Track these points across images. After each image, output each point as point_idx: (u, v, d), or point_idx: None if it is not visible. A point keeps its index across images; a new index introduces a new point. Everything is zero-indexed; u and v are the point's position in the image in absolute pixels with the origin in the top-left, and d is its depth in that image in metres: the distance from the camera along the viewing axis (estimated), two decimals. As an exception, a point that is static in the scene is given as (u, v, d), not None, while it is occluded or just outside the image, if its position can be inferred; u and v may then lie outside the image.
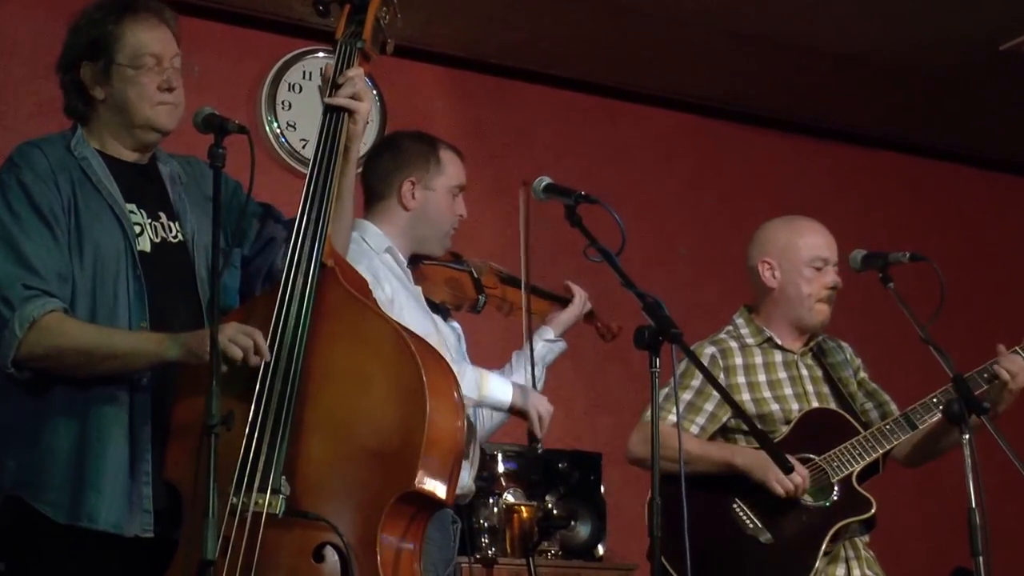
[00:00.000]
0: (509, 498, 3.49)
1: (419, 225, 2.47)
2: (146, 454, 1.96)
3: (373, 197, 2.50)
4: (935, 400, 2.62)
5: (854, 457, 2.60)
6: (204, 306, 2.03)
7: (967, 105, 4.48)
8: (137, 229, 2.02)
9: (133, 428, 1.96)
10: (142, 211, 2.04)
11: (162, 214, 2.06)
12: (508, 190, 4.13)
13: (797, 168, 4.68)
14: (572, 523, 3.51)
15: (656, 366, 2.04)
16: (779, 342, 2.73)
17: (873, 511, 2.60)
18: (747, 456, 2.59)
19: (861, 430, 2.64)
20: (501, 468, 3.53)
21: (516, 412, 2.40)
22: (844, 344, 2.84)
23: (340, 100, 2.04)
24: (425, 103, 4.15)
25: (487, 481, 3.47)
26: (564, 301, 2.64)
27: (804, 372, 2.73)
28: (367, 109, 2.07)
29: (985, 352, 4.85)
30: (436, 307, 2.48)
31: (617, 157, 4.38)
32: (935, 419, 2.62)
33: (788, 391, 2.69)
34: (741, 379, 2.70)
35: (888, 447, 2.62)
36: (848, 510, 2.59)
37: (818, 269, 2.71)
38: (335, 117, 2.04)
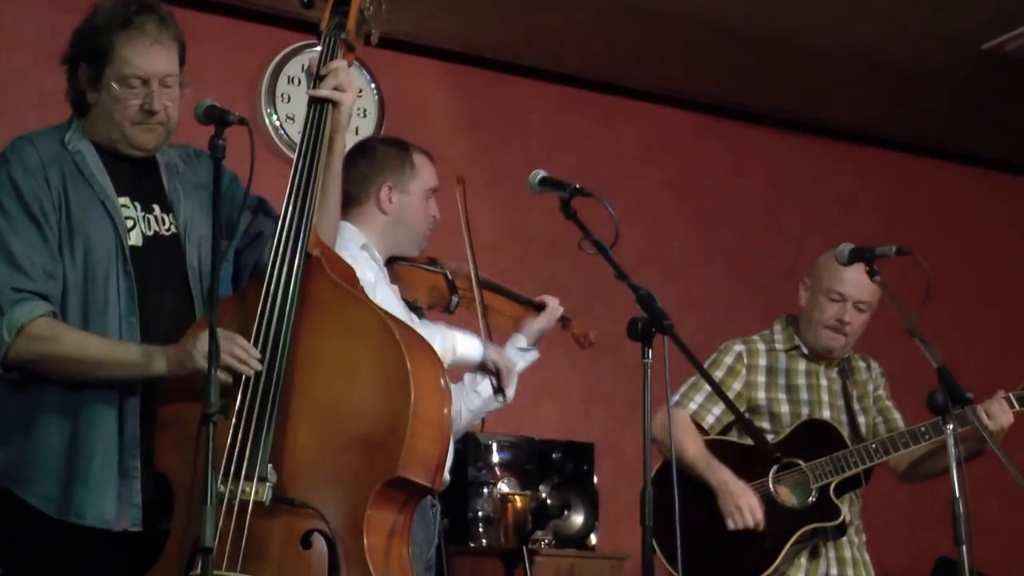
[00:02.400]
0: (503, 488, 3.50)
1: (397, 228, 2.51)
2: (135, 449, 1.95)
3: (349, 202, 2.52)
4: (922, 429, 2.75)
5: (836, 468, 2.78)
6: (196, 297, 2.02)
7: (950, 103, 4.50)
8: (129, 223, 2.00)
9: (122, 423, 1.96)
10: (135, 204, 2.03)
11: (156, 206, 2.04)
12: (504, 183, 4.19)
13: (786, 164, 4.69)
14: (565, 513, 3.52)
15: (648, 357, 2.06)
16: (805, 352, 2.88)
17: (840, 520, 2.78)
18: (720, 480, 2.78)
19: (850, 445, 2.80)
20: (495, 458, 3.53)
21: (483, 367, 2.48)
22: (874, 364, 3.00)
23: (323, 92, 2.03)
24: (422, 97, 4.14)
25: (481, 471, 3.48)
26: (538, 308, 2.68)
27: (824, 383, 2.90)
28: (351, 100, 2.06)
29: (969, 344, 4.90)
30: (411, 306, 2.52)
31: (611, 151, 4.39)
32: (922, 446, 2.77)
33: (803, 396, 2.86)
34: (761, 378, 2.87)
35: (869, 464, 2.78)
36: (818, 516, 2.78)
37: (834, 300, 2.84)
38: (319, 108, 2.04)
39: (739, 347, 2.88)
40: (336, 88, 2.04)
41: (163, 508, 1.94)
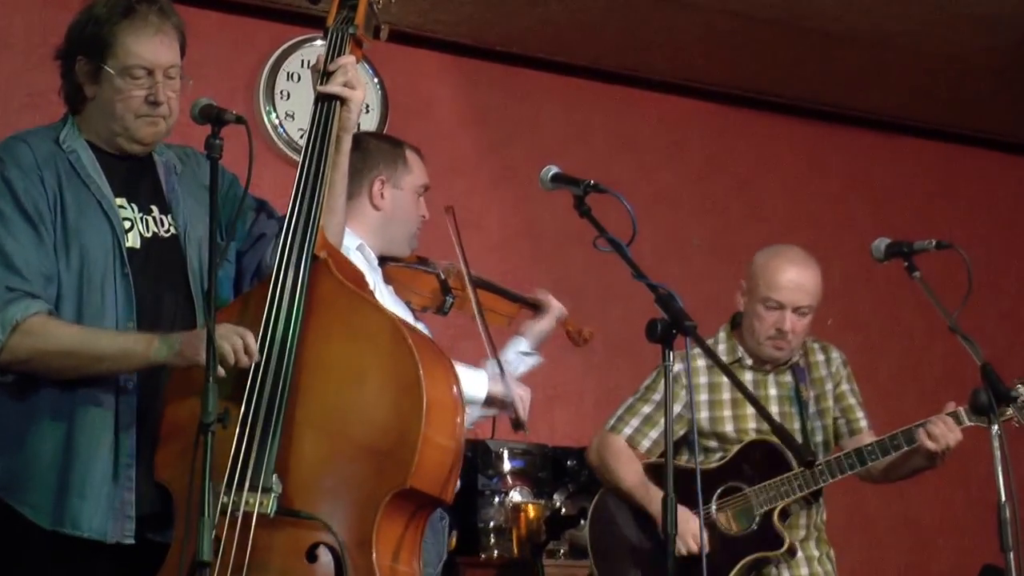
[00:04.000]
0: (516, 497, 3.43)
1: (389, 225, 2.47)
2: (131, 459, 1.92)
3: None
4: (869, 448, 2.68)
5: (780, 494, 2.70)
6: (196, 300, 1.99)
7: (992, 88, 4.40)
8: (127, 225, 1.97)
9: (118, 433, 1.92)
10: (133, 205, 1.99)
11: (154, 207, 2.01)
12: (514, 179, 4.10)
13: (814, 155, 4.62)
14: (581, 522, 3.39)
15: (669, 360, 2.00)
16: (749, 363, 2.81)
17: (783, 549, 2.70)
18: (658, 510, 2.65)
19: (795, 467, 2.68)
20: (507, 466, 3.46)
21: (493, 402, 2.42)
22: (835, 356, 2.88)
23: (333, 88, 2.00)
24: (428, 91, 4.09)
25: (492, 479, 3.42)
26: (534, 306, 2.63)
27: (772, 392, 2.81)
28: (361, 97, 2.03)
29: (1015, 340, 4.76)
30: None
31: (626, 145, 4.32)
32: (877, 463, 2.69)
33: (748, 411, 2.77)
34: (704, 397, 2.78)
35: (814, 488, 2.70)
36: (759, 545, 2.70)
37: (771, 309, 2.74)
38: (327, 106, 2.00)
39: (678, 366, 2.74)
40: (345, 85, 2.00)
41: (165, 519, 1.91)
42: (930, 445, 2.58)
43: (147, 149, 2.01)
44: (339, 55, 2.02)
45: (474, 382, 2.40)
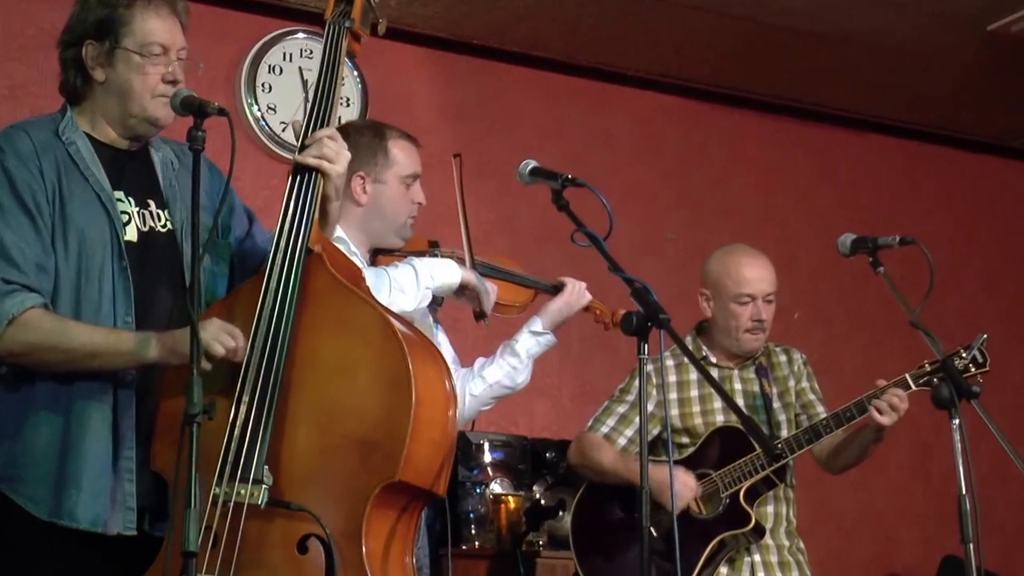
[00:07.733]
0: (496, 488, 3.44)
1: (373, 219, 2.43)
2: (129, 450, 1.92)
3: None
4: (824, 422, 2.78)
5: (744, 474, 2.80)
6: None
7: (955, 86, 4.45)
8: (124, 218, 1.96)
9: (116, 423, 1.92)
10: (130, 199, 1.99)
11: (151, 202, 2.01)
12: (492, 174, 4.11)
13: (785, 151, 4.65)
14: (560, 513, 3.43)
15: (644, 352, 2.02)
16: (713, 360, 2.92)
17: (750, 526, 2.79)
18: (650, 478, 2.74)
19: (756, 448, 2.79)
20: (487, 458, 3.48)
21: (465, 290, 2.37)
22: (796, 356, 3.01)
23: (307, 160, 1.95)
24: (407, 85, 4.08)
25: (473, 471, 3.43)
26: (549, 289, 2.60)
27: (737, 387, 2.92)
28: (340, 171, 1.96)
29: (974, 335, 4.90)
30: None
31: (603, 140, 4.33)
32: (836, 434, 2.78)
33: (716, 405, 2.88)
34: (673, 395, 2.89)
35: (775, 465, 2.79)
36: (728, 524, 2.80)
37: (744, 304, 2.87)
38: (304, 176, 1.95)
39: (648, 367, 2.79)
40: (322, 158, 1.95)
41: (163, 511, 1.91)
42: (879, 416, 2.69)
43: (153, 132, 2.00)
44: (335, 49, 2.01)
45: (446, 268, 2.33)
